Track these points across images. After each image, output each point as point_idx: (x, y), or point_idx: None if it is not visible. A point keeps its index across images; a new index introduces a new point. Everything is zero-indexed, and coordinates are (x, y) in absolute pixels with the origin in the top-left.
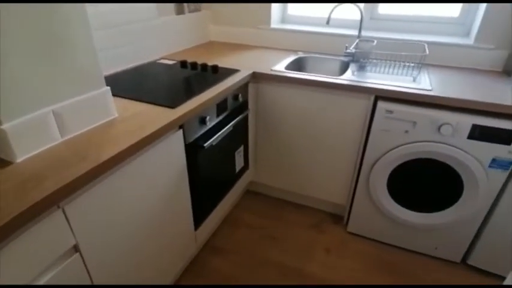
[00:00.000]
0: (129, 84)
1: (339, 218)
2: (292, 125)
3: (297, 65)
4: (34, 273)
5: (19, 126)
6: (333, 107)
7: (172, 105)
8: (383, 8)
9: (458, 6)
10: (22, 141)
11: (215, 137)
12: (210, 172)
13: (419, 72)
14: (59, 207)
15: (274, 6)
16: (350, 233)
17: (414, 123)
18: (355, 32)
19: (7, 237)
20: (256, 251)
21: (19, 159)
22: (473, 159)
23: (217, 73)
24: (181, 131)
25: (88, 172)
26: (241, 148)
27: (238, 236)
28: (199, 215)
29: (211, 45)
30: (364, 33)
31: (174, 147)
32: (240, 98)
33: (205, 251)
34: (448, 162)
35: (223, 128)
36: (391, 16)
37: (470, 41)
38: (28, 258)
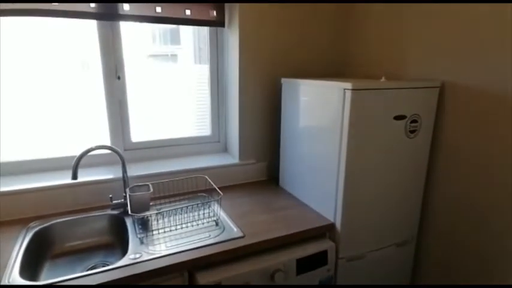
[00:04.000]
0: None
1: None
2: None
3: (40, 246)
4: None
5: None
6: None
7: None
8: (136, 136)
9: (207, 126)
10: None
11: None
12: None
13: (214, 208)
14: None
15: None
16: None
17: (247, 283)
18: (111, 174)
19: None
20: None
21: None
22: None
23: None
24: None
25: None
26: None
27: None
28: None
29: None
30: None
31: None
32: None
33: None
34: None
35: None
36: (145, 143)
37: (235, 159)
38: None
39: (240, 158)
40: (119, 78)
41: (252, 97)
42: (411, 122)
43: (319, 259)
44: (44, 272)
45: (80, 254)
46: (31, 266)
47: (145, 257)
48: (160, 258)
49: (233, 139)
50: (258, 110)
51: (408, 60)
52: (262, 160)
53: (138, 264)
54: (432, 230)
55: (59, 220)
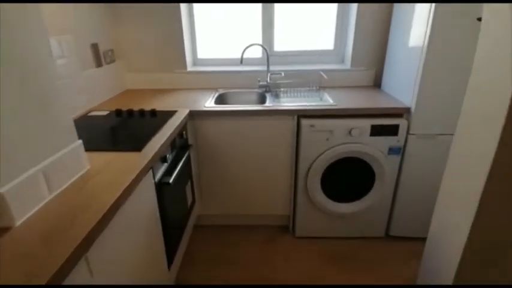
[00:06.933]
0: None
1: (285, 228)
2: (230, 153)
3: (221, 100)
4: None
5: (13, 189)
6: (265, 130)
7: (138, 148)
8: (277, 47)
9: (332, 40)
10: (18, 204)
11: (175, 172)
12: (173, 209)
13: (321, 93)
14: (84, 258)
15: (186, 51)
16: (299, 237)
17: (331, 131)
18: (261, 68)
19: None
20: (223, 277)
21: (18, 223)
22: (377, 150)
23: (156, 116)
24: (151, 171)
25: (100, 220)
26: (189, 183)
27: (200, 269)
28: (170, 253)
29: (130, 93)
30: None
31: (147, 188)
32: (184, 136)
33: None
34: (361, 157)
35: (178, 164)
36: (284, 52)
37: (347, 66)
38: None
39: (352, 64)
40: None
41: (367, 14)
42: None
43: (391, 130)
44: None
45: None
46: None
47: (274, 105)
48: (281, 106)
49: (348, 49)
50: (371, 26)
51: None
52: (371, 68)
53: (269, 106)
54: None
55: (230, 90)
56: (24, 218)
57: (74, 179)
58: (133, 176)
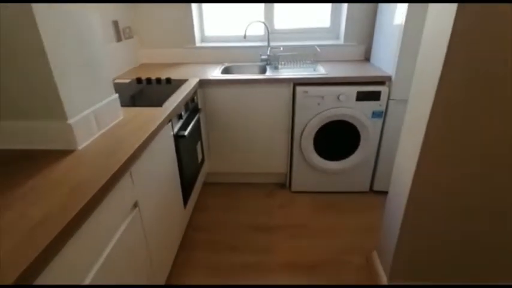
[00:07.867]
0: None
1: (283, 185)
2: (234, 117)
3: (226, 72)
4: (110, 234)
5: (77, 122)
6: (265, 97)
7: (159, 104)
8: (277, 25)
9: (328, 18)
10: (80, 133)
11: (189, 128)
12: (186, 159)
13: (316, 65)
14: (129, 172)
15: (195, 28)
16: (294, 191)
17: (322, 97)
18: (263, 44)
19: (95, 206)
20: (227, 222)
21: (80, 147)
22: (361, 114)
23: (171, 83)
24: (170, 123)
25: (137, 148)
26: (199, 143)
27: (208, 215)
28: (185, 194)
29: (146, 66)
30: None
31: (167, 137)
32: (195, 100)
33: (188, 229)
34: (348, 120)
35: (191, 122)
36: (284, 30)
37: (341, 41)
38: (106, 221)
39: (345, 40)
40: None
41: None
42: None
43: (374, 96)
44: None
45: None
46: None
47: (274, 74)
48: (279, 75)
49: (342, 26)
50: (362, 5)
51: None
52: (362, 43)
53: (269, 75)
54: None
55: (235, 64)
56: (84, 144)
57: (114, 123)
58: (158, 122)
